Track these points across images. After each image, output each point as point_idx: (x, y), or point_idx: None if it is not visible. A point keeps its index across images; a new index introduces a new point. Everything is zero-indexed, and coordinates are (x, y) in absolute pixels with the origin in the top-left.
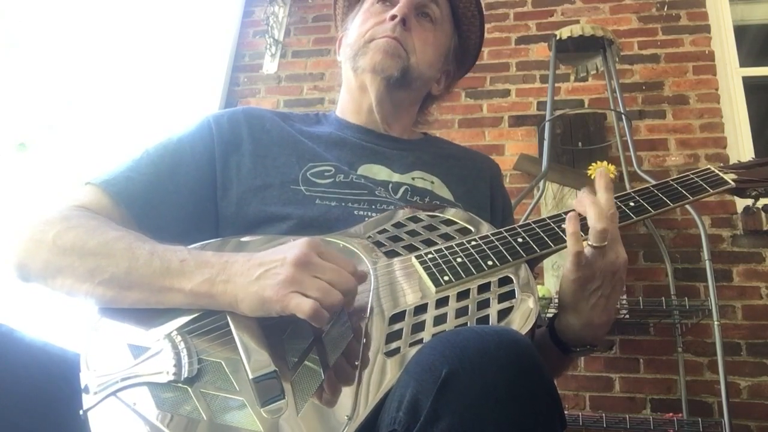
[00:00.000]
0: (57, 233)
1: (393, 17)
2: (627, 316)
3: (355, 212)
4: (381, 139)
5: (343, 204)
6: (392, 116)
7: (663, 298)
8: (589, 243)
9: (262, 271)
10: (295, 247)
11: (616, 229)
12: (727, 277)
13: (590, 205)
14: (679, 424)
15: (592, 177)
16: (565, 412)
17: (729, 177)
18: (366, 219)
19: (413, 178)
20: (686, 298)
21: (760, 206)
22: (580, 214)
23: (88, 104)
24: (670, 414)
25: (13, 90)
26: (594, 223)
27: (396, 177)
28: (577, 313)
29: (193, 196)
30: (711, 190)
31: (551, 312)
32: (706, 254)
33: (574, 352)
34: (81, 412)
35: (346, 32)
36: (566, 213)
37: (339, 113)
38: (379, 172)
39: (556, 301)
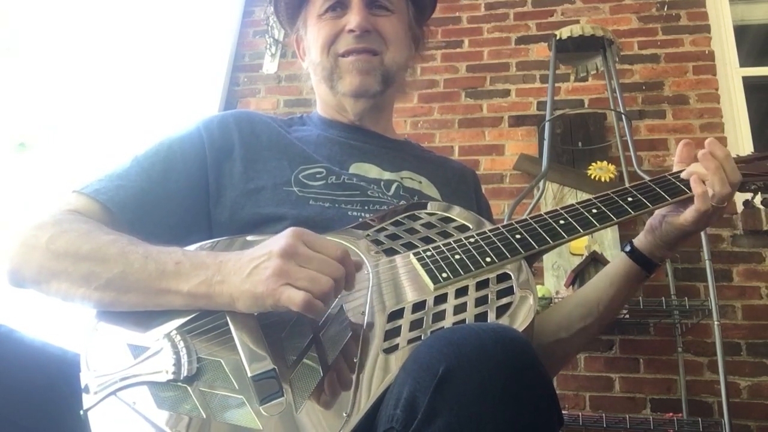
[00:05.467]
0: (50, 238)
1: (351, 31)
2: (627, 316)
3: (349, 213)
4: (368, 137)
5: (336, 205)
6: (376, 117)
7: (663, 298)
8: (713, 203)
9: (252, 267)
10: (280, 238)
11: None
12: (727, 277)
13: (716, 170)
14: (679, 424)
15: (593, 177)
16: (565, 412)
17: None
18: (360, 219)
19: (402, 178)
20: (686, 298)
21: (759, 201)
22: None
23: (88, 104)
24: (670, 414)
25: (14, 90)
26: (720, 188)
27: (387, 175)
28: (675, 247)
29: (185, 202)
30: None
31: None
32: (706, 254)
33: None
34: (81, 411)
35: (302, 39)
36: (564, 208)
37: (322, 112)
38: (370, 170)
39: (557, 300)
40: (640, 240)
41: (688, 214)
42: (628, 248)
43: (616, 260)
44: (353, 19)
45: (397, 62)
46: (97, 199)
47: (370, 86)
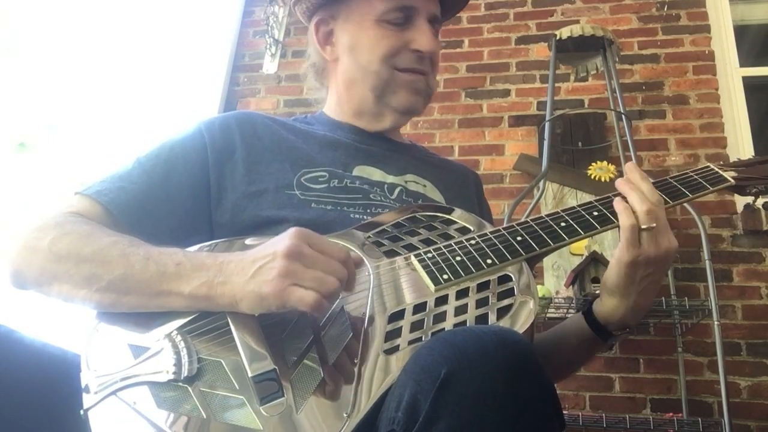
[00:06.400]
0: (52, 240)
1: (417, 51)
2: None
3: (351, 216)
4: (374, 140)
5: (338, 208)
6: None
7: (663, 298)
8: (640, 226)
9: (256, 267)
10: (284, 239)
11: (664, 215)
12: (727, 277)
13: (630, 190)
14: (679, 424)
15: (593, 177)
16: (565, 412)
17: (728, 174)
18: (362, 222)
19: (406, 181)
20: (686, 298)
21: (761, 204)
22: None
23: (88, 104)
24: (670, 414)
25: (14, 90)
26: (638, 205)
27: (390, 178)
28: (625, 297)
29: (186, 204)
30: (710, 188)
31: (551, 312)
32: (706, 254)
33: (613, 337)
34: (81, 411)
35: (335, 29)
36: (565, 211)
37: (329, 112)
38: (374, 173)
39: (557, 300)
40: (596, 303)
41: (621, 241)
42: (585, 308)
43: (580, 326)
44: (426, 42)
45: (433, 86)
46: (98, 201)
47: (419, 107)
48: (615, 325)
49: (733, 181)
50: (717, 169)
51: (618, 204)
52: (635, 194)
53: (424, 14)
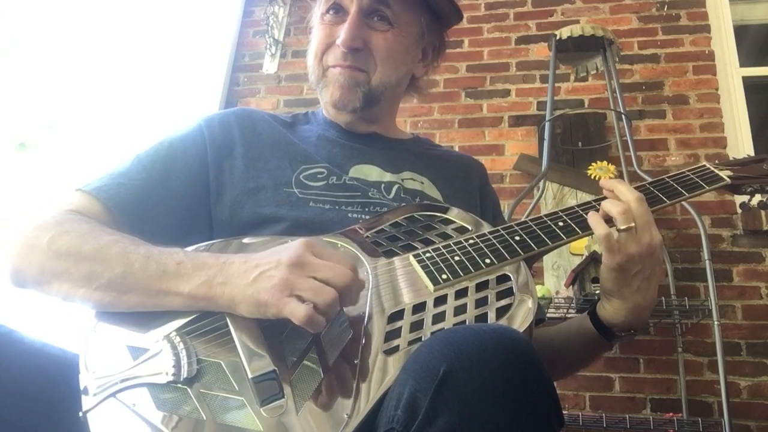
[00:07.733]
0: (51, 238)
1: (338, 46)
2: None
3: (349, 215)
4: (368, 139)
5: (336, 207)
6: (368, 124)
7: (663, 298)
8: (617, 228)
9: (258, 273)
10: (290, 247)
11: (647, 212)
12: (727, 277)
13: (606, 193)
14: (679, 424)
15: (593, 177)
16: (565, 412)
17: (724, 173)
18: (360, 221)
19: (403, 179)
20: (686, 298)
21: (756, 203)
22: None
23: (88, 104)
24: (670, 414)
25: (13, 90)
26: (613, 209)
27: (388, 176)
28: (622, 299)
29: (186, 200)
30: (706, 187)
31: (551, 312)
32: (706, 254)
33: (618, 338)
34: (80, 413)
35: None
36: (564, 211)
37: (325, 112)
38: (370, 172)
39: (557, 300)
40: (599, 307)
41: (602, 249)
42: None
43: (586, 327)
44: (343, 35)
45: (386, 82)
46: (98, 198)
47: (350, 102)
48: (619, 327)
49: (728, 180)
50: (713, 168)
51: (590, 217)
52: (609, 201)
53: (355, 6)
